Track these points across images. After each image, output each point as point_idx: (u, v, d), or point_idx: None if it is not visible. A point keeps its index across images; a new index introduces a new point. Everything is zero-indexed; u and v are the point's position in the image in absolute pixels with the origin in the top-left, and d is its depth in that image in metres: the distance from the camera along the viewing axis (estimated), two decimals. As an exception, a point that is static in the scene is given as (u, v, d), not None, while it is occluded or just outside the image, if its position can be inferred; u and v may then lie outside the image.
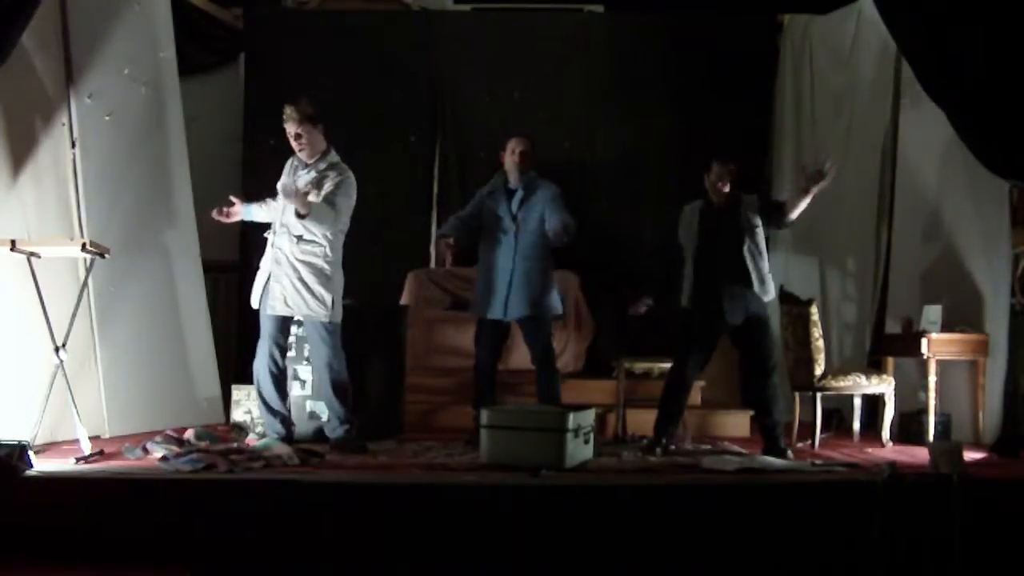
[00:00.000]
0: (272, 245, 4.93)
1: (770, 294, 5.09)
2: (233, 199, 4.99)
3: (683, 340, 5.06)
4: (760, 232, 5.06)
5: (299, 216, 4.66)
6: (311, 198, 4.71)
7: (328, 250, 4.84)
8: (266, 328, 4.94)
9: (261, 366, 4.95)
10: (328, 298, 4.84)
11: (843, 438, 5.76)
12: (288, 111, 4.87)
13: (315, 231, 4.80)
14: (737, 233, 5.01)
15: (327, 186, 4.87)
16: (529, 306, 5.30)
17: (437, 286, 6.92)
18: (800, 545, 3.82)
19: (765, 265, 5.06)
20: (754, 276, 4.98)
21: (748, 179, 5.37)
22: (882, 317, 6.55)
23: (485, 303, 5.36)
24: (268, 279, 4.91)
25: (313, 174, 4.92)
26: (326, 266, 4.84)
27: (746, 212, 5.04)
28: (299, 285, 4.82)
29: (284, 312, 4.87)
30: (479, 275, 5.46)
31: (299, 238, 4.83)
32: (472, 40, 7.48)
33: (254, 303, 4.98)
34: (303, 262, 4.83)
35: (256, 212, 5.11)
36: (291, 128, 4.88)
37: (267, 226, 5.05)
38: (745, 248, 4.99)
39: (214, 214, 5.00)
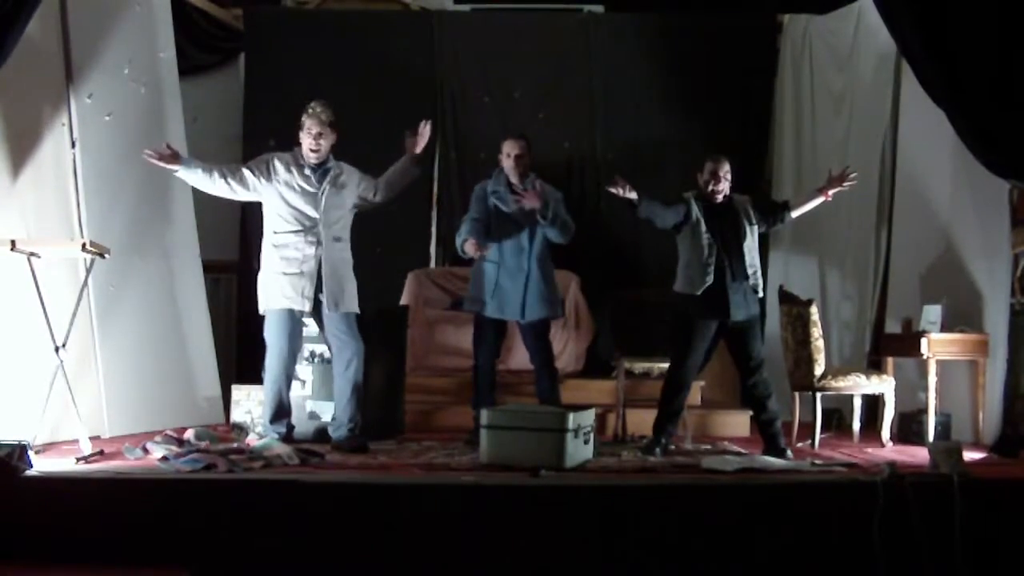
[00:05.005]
0: (297, 246, 4.85)
1: (760, 293, 5.09)
2: (170, 147, 4.81)
3: (681, 338, 5.05)
4: (755, 231, 5.07)
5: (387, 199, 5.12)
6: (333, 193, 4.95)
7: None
8: (287, 328, 4.92)
9: (279, 365, 4.93)
10: (356, 293, 5.03)
11: (843, 438, 5.75)
12: (318, 109, 4.87)
13: (347, 232, 5.01)
14: (739, 231, 5.01)
15: (356, 179, 5.05)
16: (547, 308, 5.35)
17: (437, 286, 6.92)
18: (800, 545, 3.83)
19: (759, 264, 5.09)
20: (751, 274, 4.99)
21: (747, 179, 5.36)
22: (882, 317, 6.55)
23: (499, 303, 5.30)
24: (296, 278, 4.84)
25: (331, 173, 4.97)
26: (351, 260, 5.02)
27: (739, 210, 5.05)
28: (346, 283, 4.97)
29: (344, 309, 4.93)
30: (483, 274, 5.35)
31: (337, 239, 4.96)
32: (472, 40, 7.47)
33: (279, 303, 4.88)
34: (342, 259, 4.98)
35: (194, 175, 4.87)
36: (315, 127, 4.86)
37: (259, 218, 5.04)
38: (745, 246, 5.00)
39: (149, 152, 4.72)
